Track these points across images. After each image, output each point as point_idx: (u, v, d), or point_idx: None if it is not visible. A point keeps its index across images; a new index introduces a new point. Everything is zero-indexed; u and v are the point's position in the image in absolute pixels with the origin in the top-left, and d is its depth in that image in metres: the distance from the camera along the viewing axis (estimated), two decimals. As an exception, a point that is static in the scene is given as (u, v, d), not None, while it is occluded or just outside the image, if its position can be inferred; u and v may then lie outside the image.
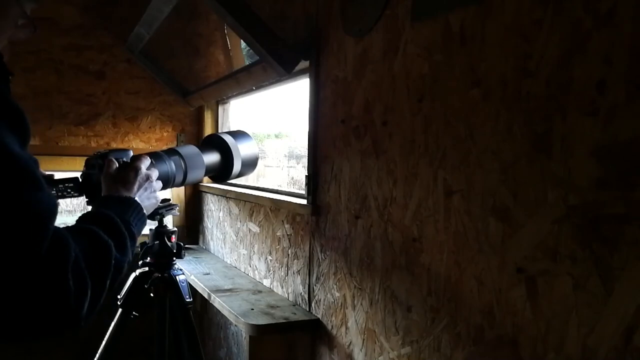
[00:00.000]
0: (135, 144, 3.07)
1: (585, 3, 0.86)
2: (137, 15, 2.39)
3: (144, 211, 1.01)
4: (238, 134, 1.57)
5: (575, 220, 0.88)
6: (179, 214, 2.93)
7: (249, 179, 2.60)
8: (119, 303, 1.58)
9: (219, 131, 2.99)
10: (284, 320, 1.76)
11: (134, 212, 0.96)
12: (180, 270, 1.64)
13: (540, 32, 0.94)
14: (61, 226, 0.75)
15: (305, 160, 1.88)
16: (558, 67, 0.91)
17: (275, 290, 2.14)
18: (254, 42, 1.73)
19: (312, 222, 1.82)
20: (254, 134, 2.19)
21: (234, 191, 2.52)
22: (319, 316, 1.78)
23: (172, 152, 1.35)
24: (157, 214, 1.51)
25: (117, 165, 1.10)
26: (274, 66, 1.76)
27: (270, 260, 2.18)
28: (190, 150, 1.41)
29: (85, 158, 1.19)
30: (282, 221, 2.06)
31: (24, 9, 0.82)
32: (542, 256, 0.94)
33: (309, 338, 1.82)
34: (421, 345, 1.27)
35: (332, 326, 1.70)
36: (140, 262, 1.62)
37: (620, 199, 0.81)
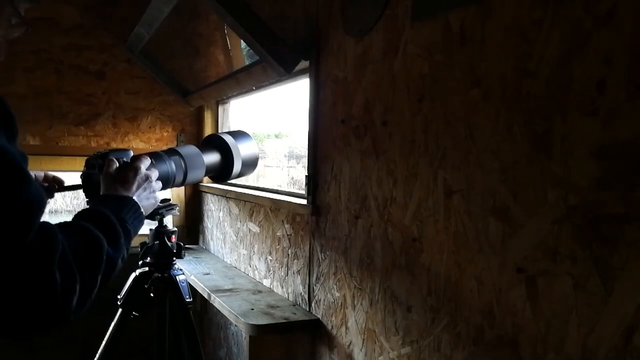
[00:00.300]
0: (135, 144, 3.07)
1: (585, 3, 0.86)
2: (137, 15, 2.39)
3: (142, 210, 1.01)
4: (238, 134, 1.57)
5: (575, 220, 0.88)
6: (179, 214, 2.93)
7: (249, 179, 2.60)
8: (119, 303, 1.58)
9: (219, 131, 3.00)
10: (284, 320, 1.76)
11: (130, 210, 0.96)
12: (180, 270, 1.64)
13: (540, 32, 0.94)
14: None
15: (305, 160, 1.88)
16: (558, 67, 0.91)
17: (275, 290, 2.14)
18: (254, 42, 1.73)
19: (312, 222, 1.82)
20: (254, 134, 2.19)
21: (234, 191, 2.52)
22: (319, 316, 1.78)
23: (172, 152, 1.35)
24: (157, 214, 1.51)
25: (117, 165, 1.10)
26: (274, 66, 1.76)
27: (270, 260, 2.18)
28: (190, 150, 1.41)
29: (85, 158, 1.19)
30: (282, 221, 2.06)
31: (18, 8, 0.83)
32: (542, 256, 0.94)
33: (309, 338, 1.82)
34: (421, 345, 1.27)
35: (332, 326, 1.70)
36: (140, 262, 1.62)
37: (620, 199, 0.81)
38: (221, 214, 2.80)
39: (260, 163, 1.65)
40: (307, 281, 1.86)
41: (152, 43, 2.70)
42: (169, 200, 1.56)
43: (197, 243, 3.19)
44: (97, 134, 3.00)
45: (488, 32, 1.06)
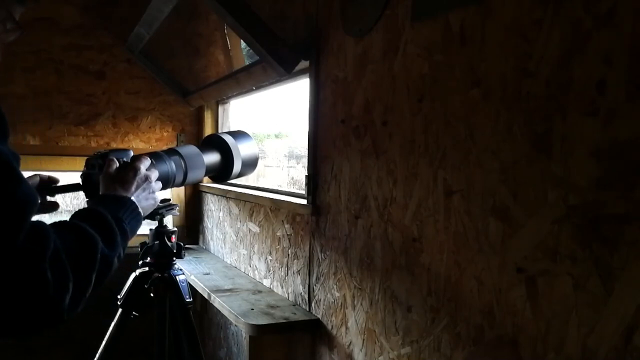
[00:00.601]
0: (135, 144, 3.07)
1: (585, 3, 0.86)
2: (137, 15, 2.39)
3: (139, 210, 1.01)
4: (238, 134, 1.57)
5: (575, 220, 0.88)
6: (179, 214, 2.93)
7: (249, 179, 2.60)
8: (119, 303, 1.58)
9: (219, 131, 2.99)
10: (284, 320, 1.76)
11: (127, 210, 0.96)
12: (180, 270, 1.64)
13: (540, 32, 0.94)
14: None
15: (305, 160, 1.88)
16: (558, 67, 0.91)
17: (275, 290, 2.14)
18: (254, 42, 1.73)
19: (312, 222, 1.82)
20: (254, 134, 2.19)
21: (234, 191, 2.52)
22: (319, 316, 1.78)
23: (172, 152, 1.35)
24: (157, 214, 1.51)
25: (118, 165, 1.10)
26: (274, 66, 1.76)
27: (270, 260, 2.18)
28: (190, 150, 1.41)
29: (85, 158, 1.19)
30: (282, 221, 2.06)
31: (13, 13, 0.83)
32: (542, 256, 0.94)
33: (309, 338, 1.82)
34: (421, 345, 1.27)
35: (332, 326, 1.70)
36: (140, 262, 1.62)
37: (620, 199, 0.81)
38: (221, 214, 2.80)
39: (260, 163, 1.65)
40: (307, 281, 1.86)
41: (152, 43, 2.70)
42: (169, 200, 1.56)
43: (197, 243, 3.19)
44: (97, 134, 3.00)
45: (488, 32, 1.06)
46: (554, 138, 0.92)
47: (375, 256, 1.45)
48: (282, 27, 1.95)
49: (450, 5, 1.15)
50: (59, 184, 1.19)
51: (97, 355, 1.56)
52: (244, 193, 2.41)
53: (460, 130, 1.14)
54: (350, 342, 1.58)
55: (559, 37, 0.91)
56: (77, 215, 0.87)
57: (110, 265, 0.83)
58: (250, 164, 1.57)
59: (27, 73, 2.81)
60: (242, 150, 1.53)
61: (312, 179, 1.80)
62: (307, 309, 1.86)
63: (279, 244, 2.10)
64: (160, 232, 1.59)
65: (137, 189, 1.06)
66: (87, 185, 1.17)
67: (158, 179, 1.17)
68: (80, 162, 1.22)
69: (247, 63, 2.60)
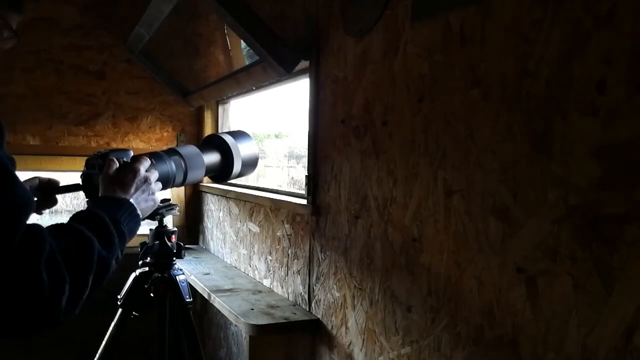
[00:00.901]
0: (135, 144, 3.07)
1: (585, 3, 0.86)
2: (137, 15, 2.39)
3: (138, 212, 1.01)
4: (238, 134, 1.57)
5: (575, 220, 0.88)
6: (179, 214, 2.93)
7: (249, 179, 2.60)
8: (119, 303, 1.58)
9: (219, 131, 3.00)
10: (284, 320, 1.76)
11: (125, 212, 0.96)
12: (180, 270, 1.64)
13: (540, 32, 0.94)
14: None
15: (305, 160, 1.88)
16: (558, 67, 0.91)
17: (275, 290, 2.14)
18: (254, 42, 1.73)
19: (312, 222, 1.82)
20: (254, 134, 2.19)
21: (234, 191, 2.52)
22: (319, 316, 1.78)
23: (172, 152, 1.35)
24: (157, 214, 1.51)
25: (118, 165, 1.10)
26: (274, 66, 1.76)
27: (270, 260, 2.18)
28: (190, 150, 1.41)
29: (85, 158, 1.19)
30: (282, 221, 2.06)
31: (9, 22, 0.84)
32: (542, 256, 0.94)
33: (309, 338, 1.82)
34: (421, 345, 1.27)
35: (332, 326, 1.70)
36: (140, 262, 1.62)
37: (620, 199, 0.81)
38: (221, 214, 2.80)
39: (260, 163, 1.65)
40: (307, 281, 1.86)
41: (152, 43, 2.70)
42: (169, 200, 1.56)
43: (197, 243, 3.19)
44: (97, 134, 3.00)
45: (488, 32, 1.06)
46: (554, 138, 0.92)
47: (375, 256, 1.45)
48: (282, 27, 1.95)
49: (450, 5, 1.15)
50: (59, 185, 1.19)
51: (97, 355, 1.56)
52: (244, 193, 2.41)
53: (460, 130, 1.14)
54: (350, 342, 1.58)
55: (559, 37, 0.91)
56: (75, 217, 0.88)
57: (108, 267, 0.83)
58: (250, 164, 1.57)
59: (27, 73, 2.81)
60: (242, 150, 1.53)
61: (312, 179, 1.80)
62: (307, 309, 1.86)
63: (279, 244, 2.10)
64: (160, 232, 1.59)
65: (136, 190, 1.06)
66: (87, 186, 1.17)
67: (158, 179, 1.17)
68: (80, 162, 1.22)
69: (247, 63, 2.60)
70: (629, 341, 0.80)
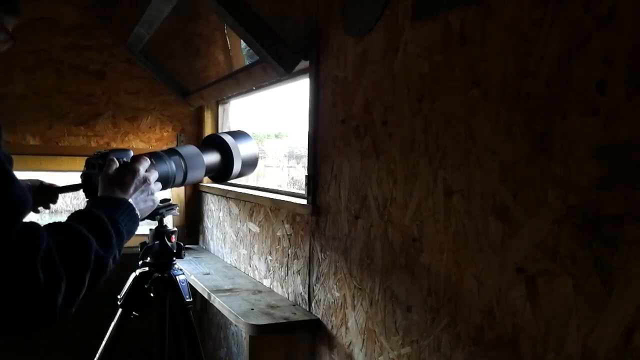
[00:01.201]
0: (135, 144, 3.07)
1: (585, 3, 0.86)
2: (137, 15, 2.39)
3: (136, 212, 1.01)
4: (238, 134, 1.57)
5: (575, 220, 0.88)
6: (179, 214, 2.93)
7: (249, 179, 2.60)
8: (119, 303, 1.58)
9: (219, 131, 2.99)
10: (284, 320, 1.76)
11: (124, 212, 0.96)
12: (180, 270, 1.64)
13: (540, 32, 0.94)
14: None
15: (305, 160, 1.88)
16: (558, 67, 0.91)
17: (275, 290, 2.14)
18: (254, 42, 1.73)
19: (312, 222, 1.82)
20: (254, 134, 2.19)
21: (234, 191, 2.52)
22: (319, 316, 1.78)
23: (172, 152, 1.35)
24: (157, 214, 1.51)
25: (118, 165, 1.10)
26: (274, 66, 1.76)
27: (270, 260, 2.18)
28: (190, 150, 1.41)
29: (85, 158, 1.19)
30: (282, 221, 2.06)
31: (5, 24, 0.84)
32: (542, 256, 0.94)
33: (309, 338, 1.82)
34: (421, 345, 1.27)
35: (332, 326, 1.70)
36: (140, 262, 1.62)
37: (620, 199, 0.81)
38: (221, 214, 2.80)
39: (260, 163, 1.65)
40: (307, 281, 1.86)
41: (152, 43, 2.70)
42: (169, 200, 1.56)
43: (197, 243, 3.19)
44: (97, 134, 3.00)
45: (488, 32, 1.06)
46: (554, 138, 0.92)
47: (375, 256, 1.45)
48: (282, 27, 1.95)
49: (450, 5, 1.15)
50: (61, 185, 1.19)
51: (97, 355, 1.56)
52: (244, 193, 2.41)
53: (460, 130, 1.14)
54: (350, 342, 1.58)
55: (559, 37, 0.91)
56: (73, 216, 0.88)
57: (105, 267, 0.83)
58: (250, 164, 1.57)
59: (27, 73, 2.81)
60: (242, 150, 1.53)
61: (312, 179, 1.80)
62: (307, 309, 1.86)
63: (279, 244, 2.10)
64: (160, 232, 1.59)
65: (135, 191, 1.06)
66: (87, 186, 1.17)
67: (158, 180, 1.17)
68: (80, 162, 1.22)
69: (247, 63, 2.60)
70: (629, 341, 0.80)
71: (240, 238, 2.53)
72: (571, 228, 0.89)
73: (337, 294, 1.66)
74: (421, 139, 1.26)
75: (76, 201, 4.91)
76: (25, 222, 0.70)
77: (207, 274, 2.43)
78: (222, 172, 1.53)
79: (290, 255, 2.00)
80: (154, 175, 1.14)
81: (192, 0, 2.86)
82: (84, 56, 2.92)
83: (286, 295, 2.04)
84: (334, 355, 1.68)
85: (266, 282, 2.23)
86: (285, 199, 2.02)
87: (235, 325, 2.38)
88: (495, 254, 1.05)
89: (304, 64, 1.82)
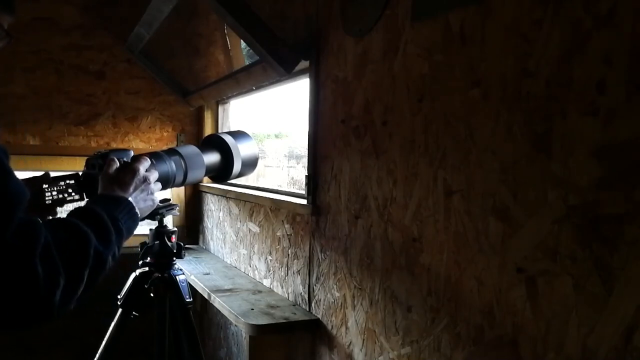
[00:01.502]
0: (135, 144, 3.07)
1: (585, 3, 0.86)
2: (137, 15, 2.39)
3: (136, 211, 1.01)
4: (238, 134, 1.57)
5: (575, 220, 0.88)
6: (179, 214, 2.93)
7: (249, 179, 2.60)
8: (119, 303, 1.58)
9: (219, 131, 3.00)
10: (284, 320, 1.76)
11: (124, 210, 0.96)
12: (180, 270, 1.64)
13: (540, 32, 0.94)
14: None
15: (305, 160, 1.88)
16: (558, 67, 0.91)
17: (275, 290, 2.14)
18: (254, 42, 1.73)
19: (312, 222, 1.82)
20: (254, 134, 2.19)
21: (234, 191, 2.52)
22: (319, 316, 1.78)
23: (172, 152, 1.35)
24: (157, 214, 1.51)
25: (118, 165, 1.10)
26: (274, 66, 1.76)
27: (270, 260, 2.18)
28: (190, 150, 1.41)
29: (86, 158, 1.19)
30: (282, 221, 2.06)
31: (1, 22, 0.84)
32: (542, 256, 0.94)
33: (309, 338, 1.82)
34: (421, 345, 1.27)
35: (332, 326, 1.70)
36: (140, 262, 1.62)
37: (620, 199, 0.81)
38: (221, 214, 2.80)
39: (260, 163, 1.65)
40: (307, 281, 1.86)
41: (152, 43, 2.70)
42: (169, 200, 1.56)
43: (197, 243, 3.19)
44: (97, 134, 3.00)
45: (488, 32, 1.06)
46: (554, 138, 0.92)
47: (375, 256, 1.45)
48: (282, 27, 1.95)
49: (450, 5, 1.15)
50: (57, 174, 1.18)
51: (97, 355, 1.56)
52: (244, 193, 2.41)
53: (460, 130, 1.14)
54: (350, 342, 1.58)
55: (559, 37, 0.91)
56: (73, 213, 0.88)
57: (104, 263, 0.83)
58: (250, 164, 1.57)
59: (27, 73, 2.81)
60: (242, 150, 1.53)
61: (312, 179, 1.80)
62: (307, 309, 1.86)
63: (279, 244, 2.10)
64: (160, 232, 1.59)
65: (135, 190, 1.06)
66: (87, 185, 1.17)
67: (158, 179, 1.17)
68: (80, 162, 1.22)
69: (247, 63, 2.60)
70: (629, 341, 0.80)
71: (240, 238, 2.53)
72: (571, 228, 0.89)
73: (337, 294, 1.66)
74: (421, 139, 1.26)
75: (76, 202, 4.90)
76: (24, 217, 0.70)
77: (207, 274, 2.43)
78: (222, 172, 1.53)
79: (290, 255, 2.00)
80: (154, 175, 1.14)
81: (192, 0, 2.86)
82: (84, 56, 2.92)
83: (286, 295, 2.04)
84: (334, 355, 1.68)
85: (266, 282, 2.23)
86: (285, 199, 2.02)
87: (235, 325, 2.38)
88: (495, 254, 1.05)
89: (304, 64, 1.82)
